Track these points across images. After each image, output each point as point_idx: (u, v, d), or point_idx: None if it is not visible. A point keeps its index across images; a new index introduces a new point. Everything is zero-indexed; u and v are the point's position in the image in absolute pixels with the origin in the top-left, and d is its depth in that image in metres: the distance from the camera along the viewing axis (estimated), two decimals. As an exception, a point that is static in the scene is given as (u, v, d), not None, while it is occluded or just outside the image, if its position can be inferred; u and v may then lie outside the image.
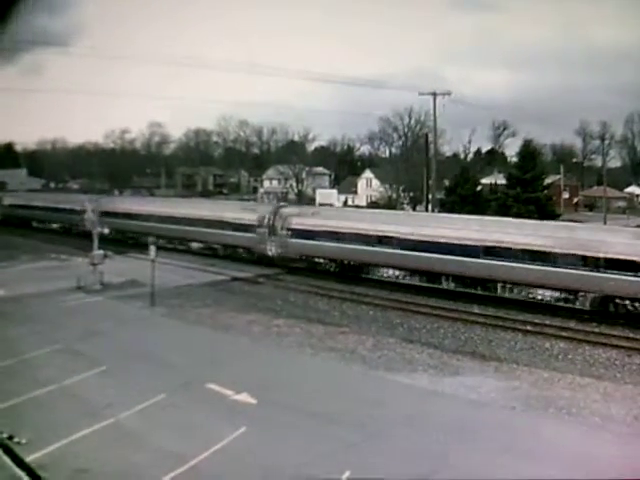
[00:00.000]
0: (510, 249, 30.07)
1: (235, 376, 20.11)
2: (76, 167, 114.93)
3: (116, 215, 46.15)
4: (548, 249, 28.99)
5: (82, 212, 41.95)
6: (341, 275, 37.56)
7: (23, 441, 14.67)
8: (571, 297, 29.40)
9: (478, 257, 30.95)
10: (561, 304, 29.76)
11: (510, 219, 39.47)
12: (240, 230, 41.70)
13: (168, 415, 17.38)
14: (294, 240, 38.94)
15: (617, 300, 27.71)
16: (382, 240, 34.97)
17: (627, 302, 27.40)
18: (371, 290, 34.40)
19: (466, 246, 31.21)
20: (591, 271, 27.73)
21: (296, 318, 28.84)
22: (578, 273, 28.02)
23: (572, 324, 27.71)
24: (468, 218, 38.48)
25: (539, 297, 30.83)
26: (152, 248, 31.53)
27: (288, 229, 39.27)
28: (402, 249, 33.93)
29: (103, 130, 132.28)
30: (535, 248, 29.36)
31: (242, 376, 20.18)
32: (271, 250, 40.21)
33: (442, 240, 32.07)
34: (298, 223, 39.05)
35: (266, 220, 40.55)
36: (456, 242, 31.59)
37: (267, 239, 40.27)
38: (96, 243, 34.93)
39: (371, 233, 35.65)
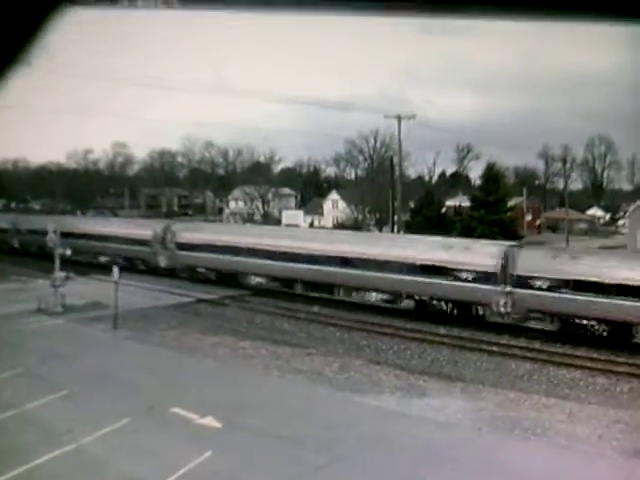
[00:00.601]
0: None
1: (200, 399, 19.85)
2: (38, 187, 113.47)
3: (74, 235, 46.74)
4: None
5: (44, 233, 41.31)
6: (219, 282, 41.17)
7: None
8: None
9: (324, 265, 35.42)
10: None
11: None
12: (140, 245, 45.61)
13: (131, 440, 17.08)
14: (180, 252, 42.93)
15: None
16: (250, 251, 38.94)
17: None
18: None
19: (312, 256, 35.85)
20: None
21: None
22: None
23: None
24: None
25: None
26: (115, 269, 31.17)
27: (175, 243, 43.32)
28: (264, 259, 37.97)
29: (66, 150, 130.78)
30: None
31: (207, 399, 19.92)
32: (162, 262, 43.92)
33: (297, 251, 36.50)
34: (184, 237, 43.18)
35: (159, 235, 44.51)
36: (306, 253, 36.16)
37: (159, 252, 44.09)
38: (57, 264, 34.33)
39: (241, 245, 39.78)
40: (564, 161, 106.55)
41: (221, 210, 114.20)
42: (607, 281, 26.96)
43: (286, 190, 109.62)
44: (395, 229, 56.40)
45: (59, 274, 33.70)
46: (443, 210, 69.03)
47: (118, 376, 22.56)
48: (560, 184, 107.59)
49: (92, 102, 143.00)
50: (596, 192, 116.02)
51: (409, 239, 42.01)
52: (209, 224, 57.50)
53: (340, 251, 35.41)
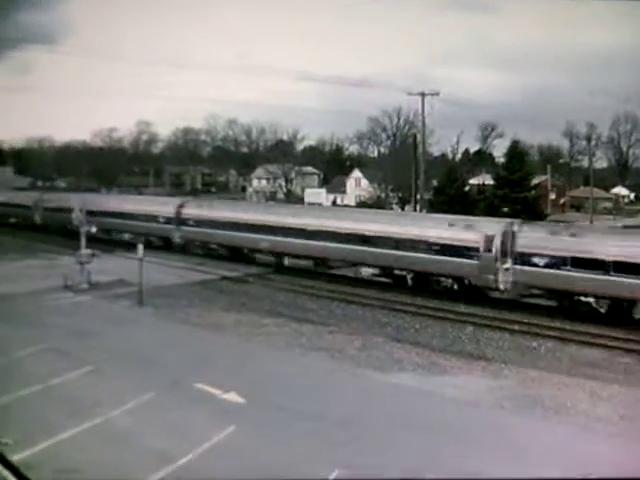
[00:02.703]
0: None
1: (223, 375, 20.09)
2: (63, 165, 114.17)
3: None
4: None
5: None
6: (229, 258, 42.49)
7: (10, 442, 14.69)
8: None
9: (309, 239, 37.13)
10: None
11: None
12: (158, 222, 46.75)
13: (156, 414, 17.34)
14: (191, 229, 44.45)
15: None
16: (249, 227, 40.55)
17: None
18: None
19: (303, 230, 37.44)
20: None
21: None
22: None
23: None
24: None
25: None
26: (140, 247, 31.46)
27: (190, 220, 44.67)
28: (260, 234, 39.64)
29: (91, 128, 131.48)
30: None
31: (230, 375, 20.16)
32: (177, 238, 45.33)
33: (290, 226, 38.17)
34: (195, 215, 44.58)
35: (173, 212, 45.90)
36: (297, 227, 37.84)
37: (174, 229, 45.46)
38: (83, 242, 34.69)
39: (240, 221, 41.30)
40: (589, 139, 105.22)
41: (244, 188, 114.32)
42: (603, 258, 27.42)
43: (309, 168, 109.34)
44: (417, 207, 56.22)
45: (85, 251, 34.07)
46: (466, 188, 68.47)
47: (143, 352, 22.85)
48: (585, 162, 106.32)
49: (116, 82, 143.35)
50: (621, 171, 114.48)
51: (414, 217, 44.49)
52: (217, 201, 57.17)
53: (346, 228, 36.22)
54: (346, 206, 79.62)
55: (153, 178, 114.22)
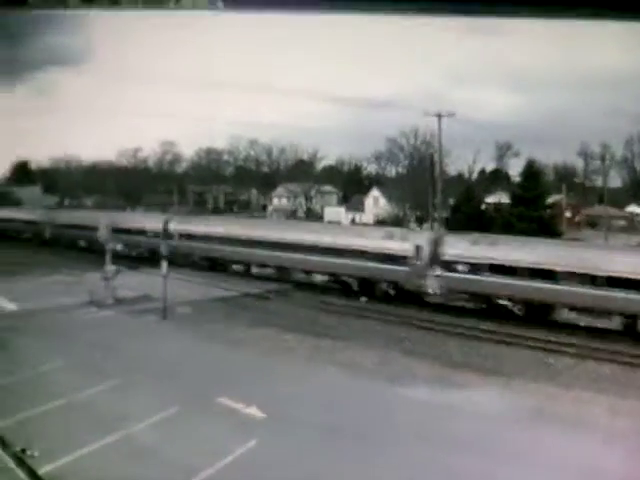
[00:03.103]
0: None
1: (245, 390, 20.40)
2: (90, 184, 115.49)
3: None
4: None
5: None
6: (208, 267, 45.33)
7: (36, 454, 14.97)
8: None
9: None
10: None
11: None
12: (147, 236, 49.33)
13: (179, 428, 17.62)
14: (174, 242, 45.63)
15: None
16: (224, 239, 43.77)
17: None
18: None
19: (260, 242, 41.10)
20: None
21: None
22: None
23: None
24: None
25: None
26: (164, 264, 31.97)
27: (167, 233, 47.05)
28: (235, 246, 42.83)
29: (116, 149, 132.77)
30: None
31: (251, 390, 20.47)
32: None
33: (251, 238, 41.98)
34: (182, 229, 47.48)
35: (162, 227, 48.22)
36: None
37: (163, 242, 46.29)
38: (109, 258, 35.29)
39: (217, 234, 44.54)
40: (603, 159, 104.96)
41: (265, 207, 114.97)
42: (518, 265, 30.58)
43: (328, 187, 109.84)
44: (435, 226, 56.38)
45: (110, 267, 34.64)
46: (483, 207, 68.46)
47: (166, 366, 23.17)
48: (599, 182, 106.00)
49: (139, 102, 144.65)
50: (635, 189, 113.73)
51: (358, 230, 49.34)
52: (194, 217, 59.19)
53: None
54: (364, 224, 79.91)
55: (177, 197, 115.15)
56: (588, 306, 29.16)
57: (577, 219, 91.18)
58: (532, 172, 62.34)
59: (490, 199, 77.62)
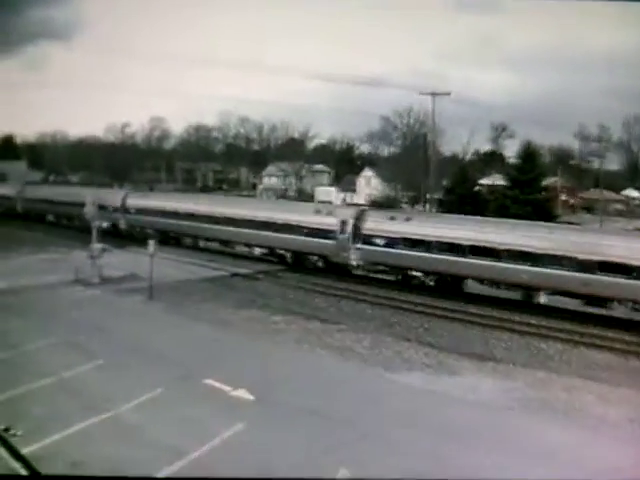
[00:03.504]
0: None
1: (233, 372, 20.14)
2: (76, 160, 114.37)
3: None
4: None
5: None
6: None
7: (19, 433, 14.64)
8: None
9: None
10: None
11: None
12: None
13: (165, 409, 17.39)
14: (130, 216, 50.59)
15: None
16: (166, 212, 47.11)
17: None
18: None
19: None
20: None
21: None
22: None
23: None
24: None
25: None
26: (151, 243, 31.52)
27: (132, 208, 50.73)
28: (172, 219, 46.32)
29: (104, 124, 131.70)
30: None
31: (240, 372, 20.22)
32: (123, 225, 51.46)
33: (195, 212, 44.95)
34: (134, 204, 50.77)
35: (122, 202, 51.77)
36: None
37: (120, 216, 51.27)
38: (95, 236, 34.82)
39: (170, 209, 47.28)
40: (599, 141, 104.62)
41: (255, 185, 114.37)
42: (428, 239, 33.02)
43: (320, 166, 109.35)
44: (427, 206, 56.20)
45: (97, 246, 34.18)
46: (477, 188, 68.14)
47: (153, 347, 22.86)
48: (595, 164, 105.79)
49: (129, 78, 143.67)
50: (632, 173, 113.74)
51: (290, 205, 53.76)
52: (150, 193, 64.03)
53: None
54: (356, 204, 79.62)
55: (165, 174, 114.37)
56: (493, 278, 31.62)
57: (573, 202, 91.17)
58: (528, 154, 61.99)
59: (484, 181, 77.31)
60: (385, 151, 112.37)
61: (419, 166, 62.23)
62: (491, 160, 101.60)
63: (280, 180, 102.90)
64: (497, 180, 73.70)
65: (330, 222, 36.97)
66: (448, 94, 54.63)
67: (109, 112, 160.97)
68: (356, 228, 35.87)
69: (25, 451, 13.91)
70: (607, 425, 17.40)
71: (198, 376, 19.68)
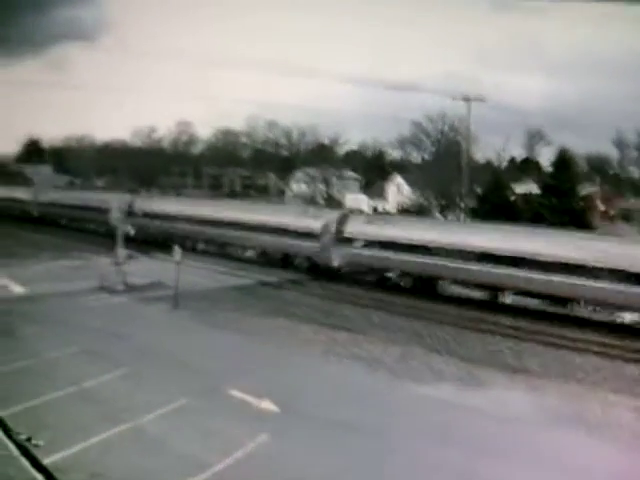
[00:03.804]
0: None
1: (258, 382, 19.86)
2: (102, 165, 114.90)
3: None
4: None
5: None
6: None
7: (41, 443, 14.79)
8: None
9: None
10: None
11: None
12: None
13: (189, 420, 17.15)
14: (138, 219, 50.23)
15: None
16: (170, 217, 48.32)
17: None
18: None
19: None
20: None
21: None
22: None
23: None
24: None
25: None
26: (177, 250, 31.23)
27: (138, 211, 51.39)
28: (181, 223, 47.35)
29: (130, 128, 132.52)
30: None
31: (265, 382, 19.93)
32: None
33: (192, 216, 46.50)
34: (140, 207, 51.71)
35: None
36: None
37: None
38: (120, 242, 34.62)
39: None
40: (639, 148, 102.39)
41: (283, 192, 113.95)
42: (404, 242, 34.43)
43: (350, 173, 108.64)
44: (461, 216, 55.41)
45: (122, 252, 34.01)
46: (512, 197, 67.02)
47: (177, 356, 22.66)
48: (635, 173, 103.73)
49: (156, 80, 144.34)
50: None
51: (279, 208, 55.75)
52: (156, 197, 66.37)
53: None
54: (387, 213, 78.93)
55: (192, 179, 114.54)
56: (463, 279, 33.70)
57: (611, 212, 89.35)
58: (564, 161, 60.76)
59: (520, 189, 75.97)
60: (417, 158, 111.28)
61: (452, 174, 61.31)
62: (527, 168, 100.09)
63: (309, 187, 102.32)
64: (533, 189, 72.32)
65: (314, 225, 38.66)
66: (482, 99, 53.83)
67: (136, 115, 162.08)
68: (337, 231, 37.55)
69: (46, 461, 13.95)
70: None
71: (223, 386, 19.44)
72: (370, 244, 36.09)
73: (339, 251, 37.31)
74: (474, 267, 31.74)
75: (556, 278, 29.04)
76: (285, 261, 41.41)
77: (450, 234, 34.24)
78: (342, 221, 37.85)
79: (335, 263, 37.55)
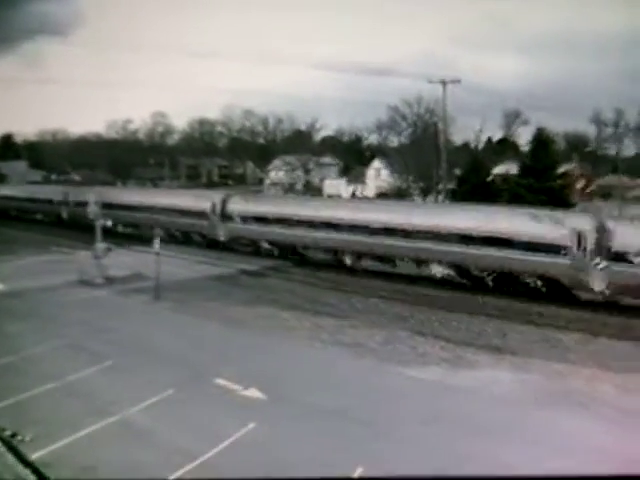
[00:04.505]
0: None
1: (243, 371, 19.81)
2: (78, 158, 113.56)
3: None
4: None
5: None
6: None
7: (27, 439, 14.47)
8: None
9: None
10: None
11: None
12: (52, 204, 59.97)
13: (176, 411, 17.12)
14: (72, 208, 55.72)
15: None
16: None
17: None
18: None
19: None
20: None
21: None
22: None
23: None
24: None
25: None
26: (156, 241, 30.97)
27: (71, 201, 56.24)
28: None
29: (105, 120, 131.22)
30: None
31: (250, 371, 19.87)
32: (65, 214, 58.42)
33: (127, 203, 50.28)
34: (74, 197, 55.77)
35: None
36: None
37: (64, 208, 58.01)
38: (99, 236, 34.25)
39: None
40: (616, 125, 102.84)
41: (261, 180, 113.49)
42: (270, 216, 40.55)
43: (327, 159, 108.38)
44: (440, 197, 55.47)
45: (100, 245, 33.63)
46: (490, 178, 67.17)
47: (161, 347, 22.59)
48: (612, 150, 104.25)
49: (130, 72, 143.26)
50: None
51: (175, 192, 62.51)
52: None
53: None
54: (365, 197, 78.88)
55: (169, 170, 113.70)
56: (315, 245, 38.80)
57: (589, 190, 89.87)
58: (541, 141, 60.83)
59: (498, 169, 76.18)
60: (395, 141, 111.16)
61: (430, 156, 61.31)
62: (504, 148, 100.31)
63: (287, 174, 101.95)
64: (511, 169, 72.58)
65: (203, 206, 44.24)
66: (458, 82, 53.75)
67: (110, 108, 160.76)
68: (222, 209, 43.30)
69: (34, 457, 13.63)
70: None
71: (208, 376, 19.38)
72: (246, 219, 42.06)
73: (223, 227, 43.08)
74: (318, 235, 37.64)
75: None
76: (186, 237, 46.62)
77: (302, 208, 40.71)
78: (225, 201, 43.64)
79: (221, 237, 43.35)
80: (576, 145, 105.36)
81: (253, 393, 18.12)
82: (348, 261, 37.55)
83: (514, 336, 24.75)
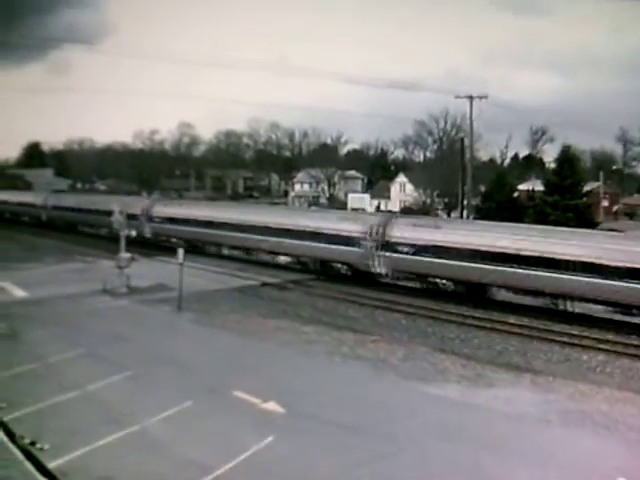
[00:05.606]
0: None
1: (263, 384, 19.75)
2: (103, 168, 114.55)
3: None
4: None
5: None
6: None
7: (46, 447, 14.69)
8: None
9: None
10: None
11: None
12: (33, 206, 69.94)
13: (194, 423, 17.01)
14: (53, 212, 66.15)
15: None
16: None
17: None
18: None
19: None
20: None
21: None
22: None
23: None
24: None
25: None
26: (180, 252, 31.11)
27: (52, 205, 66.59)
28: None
29: (132, 130, 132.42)
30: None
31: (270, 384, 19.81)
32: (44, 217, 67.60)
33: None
34: (55, 202, 66.64)
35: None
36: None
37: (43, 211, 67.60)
38: (123, 245, 34.47)
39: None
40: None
41: (286, 193, 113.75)
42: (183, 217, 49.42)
43: (352, 173, 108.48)
44: (464, 214, 55.13)
45: (124, 255, 33.78)
46: (515, 195, 66.73)
47: (181, 358, 22.53)
48: (639, 169, 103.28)
49: (158, 82, 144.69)
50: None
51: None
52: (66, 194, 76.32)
53: None
54: (389, 212, 78.74)
55: (194, 181, 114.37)
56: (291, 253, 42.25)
57: (615, 208, 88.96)
58: (567, 158, 60.42)
59: (523, 186, 75.65)
60: (420, 156, 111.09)
61: (455, 172, 61.05)
62: (530, 165, 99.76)
63: (312, 187, 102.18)
64: (536, 186, 72.05)
65: (135, 210, 49.39)
66: (485, 97, 53.57)
67: (137, 118, 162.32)
68: (148, 213, 51.64)
69: (51, 465, 13.88)
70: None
71: (227, 388, 19.29)
72: (165, 220, 50.58)
73: (149, 226, 51.26)
74: (224, 233, 44.56)
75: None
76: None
77: (211, 211, 48.77)
78: (151, 205, 52.94)
79: (148, 235, 51.13)
80: (602, 163, 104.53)
81: (272, 406, 17.98)
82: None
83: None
